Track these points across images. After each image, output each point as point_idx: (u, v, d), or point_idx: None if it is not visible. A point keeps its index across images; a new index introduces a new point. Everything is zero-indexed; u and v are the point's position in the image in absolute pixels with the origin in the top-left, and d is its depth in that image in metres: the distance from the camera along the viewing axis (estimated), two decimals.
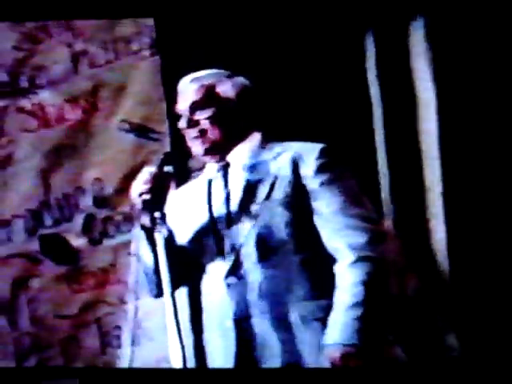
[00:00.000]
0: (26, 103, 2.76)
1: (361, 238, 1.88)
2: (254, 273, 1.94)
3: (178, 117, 2.01)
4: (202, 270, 2.02)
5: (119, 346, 2.70)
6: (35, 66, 2.75)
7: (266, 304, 1.93)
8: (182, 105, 2.01)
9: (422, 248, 2.59)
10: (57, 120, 2.76)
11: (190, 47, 2.67)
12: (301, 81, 2.63)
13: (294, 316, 1.93)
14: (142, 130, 2.60)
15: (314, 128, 2.45)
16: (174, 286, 1.94)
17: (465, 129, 2.63)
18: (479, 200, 2.55)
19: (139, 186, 1.94)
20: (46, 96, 2.76)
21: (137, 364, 2.62)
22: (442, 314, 2.58)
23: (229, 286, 1.95)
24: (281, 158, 1.99)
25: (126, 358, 2.70)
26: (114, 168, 2.70)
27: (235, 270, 1.96)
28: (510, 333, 2.51)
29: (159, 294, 2.03)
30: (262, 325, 1.93)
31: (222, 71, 2.11)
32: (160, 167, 1.94)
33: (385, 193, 2.64)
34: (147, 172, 1.93)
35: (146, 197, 1.89)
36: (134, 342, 2.67)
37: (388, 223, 2.60)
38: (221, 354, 1.95)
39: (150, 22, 2.71)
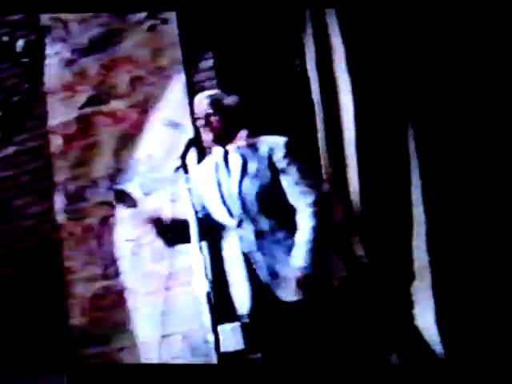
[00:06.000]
0: (104, 108, 3.46)
1: (312, 198, 2.52)
2: (252, 224, 2.55)
3: (197, 118, 2.63)
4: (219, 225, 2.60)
5: None
6: (109, 85, 3.47)
7: (261, 243, 2.56)
8: (200, 111, 2.63)
9: (344, 194, 3.08)
10: (122, 119, 3.44)
11: (203, 71, 3.29)
12: (263, 94, 3.15)
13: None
14: (174, 124, 3.11)
15: (282, 125, 2.94)
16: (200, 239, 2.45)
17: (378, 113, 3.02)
18: (381, 165, 3.01)
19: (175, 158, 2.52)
20: (116, 104, 3.46)
21: None
22: (355, 235, 3.04)
23: (239, 233, 2.57)
24: (261, 149, 2.58)
25: None
26: (158, 147, 3.30)
27: (241, 224, 2.57)
28: (402, 240, 2.98)
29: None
30: (257, 257, 2.56)
31: (220, 92, 2.74)
32: (186, 147, 2.57)
33: (324, 163, 3.14)
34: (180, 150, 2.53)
35: (178, 164, 2.53)
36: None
37: (326, 184, 3.07)
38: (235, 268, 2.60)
39: (179, 55, 3.33)
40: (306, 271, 2.45)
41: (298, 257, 2.48)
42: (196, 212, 2.49)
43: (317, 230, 2.49)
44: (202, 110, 2.64)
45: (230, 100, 2.67)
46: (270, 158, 2.58)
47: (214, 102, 2.65)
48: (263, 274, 2.57)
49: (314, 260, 2.46)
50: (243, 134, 2.65)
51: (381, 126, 3.07)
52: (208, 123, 2.61)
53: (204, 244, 2.63)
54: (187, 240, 2.48)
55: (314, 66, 3.19)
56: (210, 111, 2.62)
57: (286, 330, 2.57)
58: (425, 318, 2.94)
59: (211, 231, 2.65)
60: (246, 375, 2.65)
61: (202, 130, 2.64)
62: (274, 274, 2.55)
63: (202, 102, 2.66)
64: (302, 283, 2.45)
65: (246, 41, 3.28)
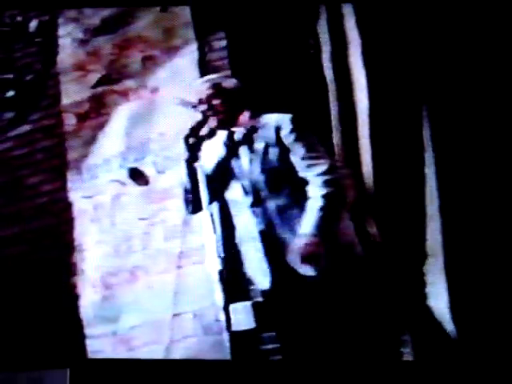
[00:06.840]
0: (117, 88, 3.48)
1: (322, 169, 2.54)
2: (265, 202, 2.59)
3: (198, 104, 2.61)
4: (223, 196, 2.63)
5: None
6: (122, 64, 3.49)
7: (275, 220, 2.58)
8: (201, 96, 2.64)
9: (357, 174, 3.06)
10: (135, 98, 3.46)
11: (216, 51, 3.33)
12: (275, 73, 3.15)
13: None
14: (186, 103, 2.88)
15: (288, 104, 2.89)
16: (210, 201, 2.57)
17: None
18: (395, 147, 3.00)
19: (188, 134, 2.59)
20: (128, 83, 3.48)
21: None
22: (369, 214, 3.01)
23: (254, 211, 2.60)
24: (267, 126, 2.61)
25: None
26: (170, 126, 3.25)
27: (256, 202, 2.60)
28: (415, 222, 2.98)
29: (195, 210, 2.65)
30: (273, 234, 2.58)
31: (222, 74, 2.81)
32: (199, 125, 2.62)
33: (337, 143, 3.12)
34: (192, 126, 2.60)
35: (192, 140, 2.61)
36: None
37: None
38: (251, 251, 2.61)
39: (192, 35, 3.34)
40: (312, 239, 2.41)
41: (307, 224, 2.45)
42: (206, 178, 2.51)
43: (328, 197, 2.47)
44: (203, 95, 2.65)
45: (229, 83, 2.70)
46: (277, 134, 2.59)
47: (215, 86, 2.67)
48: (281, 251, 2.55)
49: (323, 227, 2.43)
50: (246, 115, 2.67)
51: (395, 106, 3.06)
52: (211, 107, 2.62)
53: (215, 208, 2.62)
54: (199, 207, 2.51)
55: (329, 47, 3.19)
56: (212, 95, 2.64)
57: (299, 309, 2.59)
58: (437, 297, 2.93)
59: (220, 193, 2.66)
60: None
61: (206, 114, 2.65)
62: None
63: (202, 87, 2.68)
64: (307, 252, 2.41)
65: (259, 21, 3.29)
